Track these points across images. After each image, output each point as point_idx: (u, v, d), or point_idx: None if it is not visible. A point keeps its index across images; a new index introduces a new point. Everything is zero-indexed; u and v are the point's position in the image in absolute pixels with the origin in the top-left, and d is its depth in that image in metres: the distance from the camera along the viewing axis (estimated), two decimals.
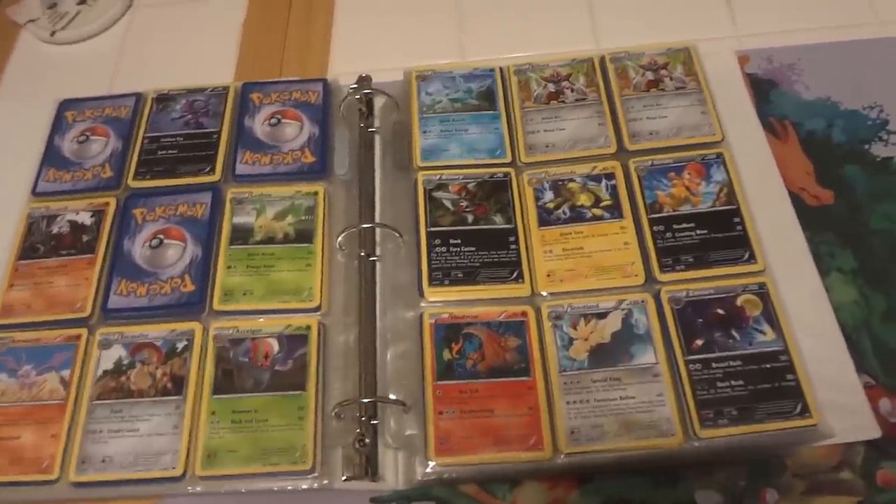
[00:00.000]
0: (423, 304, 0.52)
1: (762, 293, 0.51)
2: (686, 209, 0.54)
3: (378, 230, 0.56)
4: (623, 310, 0.51)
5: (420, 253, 0.54)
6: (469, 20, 0.70)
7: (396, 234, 0.55)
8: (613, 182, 0.56)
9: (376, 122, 0.62)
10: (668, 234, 0.53)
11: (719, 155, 0.57)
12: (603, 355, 0.50)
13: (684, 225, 0.54)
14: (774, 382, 0.48)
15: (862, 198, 0.56)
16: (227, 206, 0.57)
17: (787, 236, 0.55)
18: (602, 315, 0.51)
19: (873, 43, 0.63)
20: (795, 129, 0.60)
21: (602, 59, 0.62)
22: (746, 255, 0.52)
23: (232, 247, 0.56)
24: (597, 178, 0.56)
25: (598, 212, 0.55)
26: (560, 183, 0.56)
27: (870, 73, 0.62)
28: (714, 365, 0.49)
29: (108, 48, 0.73)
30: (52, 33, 0.73)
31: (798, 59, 0.63)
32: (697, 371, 0.49)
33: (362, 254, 0.55)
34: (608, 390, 0.48)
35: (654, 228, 0.54)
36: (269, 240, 0.56)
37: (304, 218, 0.57)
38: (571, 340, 0.50)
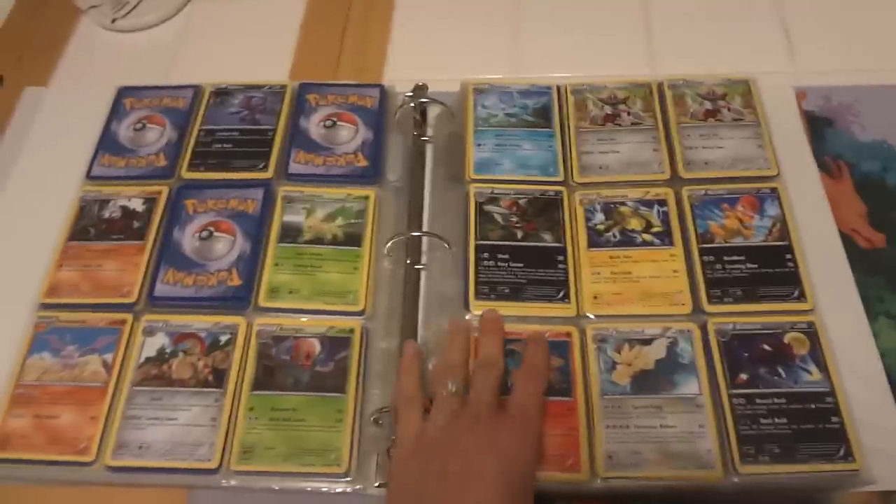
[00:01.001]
0: (468, 317, 0.52)
1: (810, 332, 0.50)
2: (738, 241, 0.54)
3: (425, 239, 0.56)
4: (668, 338, 0.51)
5: (468, 265, 0.54)
6: (525, 36, 0.70)
7: (445, 245, 0.55)
8: (665, 209, 0.56)
9: (430, 132, 0.62)
10: (718, 266, 0.53)
11: (774, 190, 0.56)
12: (646, 382, 0.49)
13: (735, 257, 0.53)
14: (819, 423, 0.47)
15: None
16: (279, 203, 0.58)
17: (836, 277, 0.54)
18: (647, 342, 0.51)
19: None
20: (850, 170, 0.59)
21: (660, 85, 0.62)
22: (796, 293, 0.52)
23: (280, 244, 0.56)
24: (649, 204, 0.56)
25: (648, 237, 0.55)
26: (612, 206, 0.56)
27: None
28: (758, 401, 0.48)
29: (167, 39, 0.74)
30: (114, 20, 0.74)
31: (856, 99, 0.63)
32: (741, 406, 0.48)
33: (408, 262, 0.55)
34: (649, 417, 0.48)
35: (704, 258, 0.53)
36: (318, 240, 0.56)
37: (353, 221, 0.57)
38: (615, 364, 0.50)
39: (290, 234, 0.56)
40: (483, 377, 0.47)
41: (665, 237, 0.55)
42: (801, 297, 0.52)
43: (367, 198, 0.58)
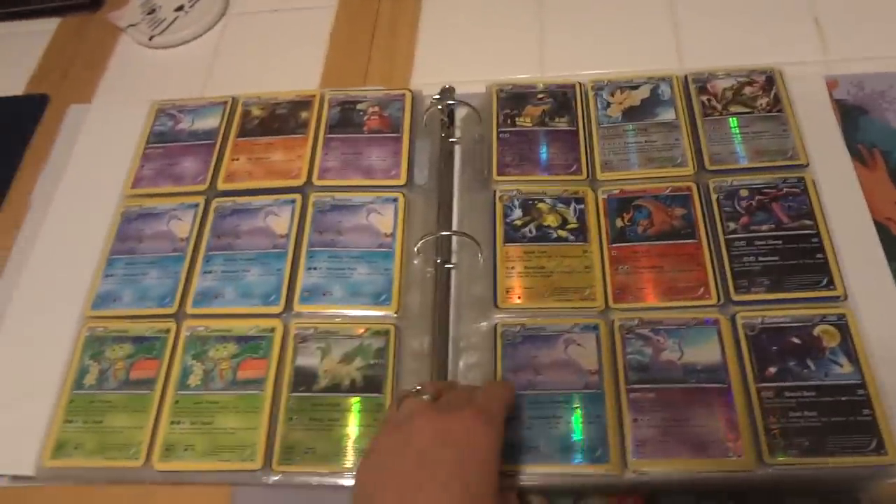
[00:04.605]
0: (497, 316, 0.53)
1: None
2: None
3: (455, 239, 0.57)
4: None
5: (496, 266, 0.55)
6: (550, 36, 0.71)
7: (475, 244, 0.56)
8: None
9: (457, 133, 0.63)
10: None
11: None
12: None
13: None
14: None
15: None
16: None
17: (871, 265, 0.53)
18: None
19: None
20: (884, 158, 0.58)
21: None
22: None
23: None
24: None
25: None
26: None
27: None
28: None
29: (202, 53, 0.76)
30: (151, 38, 0.77)
31: (890, 86, 0.62)
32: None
33: (438, 261, 0.56)
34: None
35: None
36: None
37: None
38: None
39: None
40: (456, 393, 0.46)
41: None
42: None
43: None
